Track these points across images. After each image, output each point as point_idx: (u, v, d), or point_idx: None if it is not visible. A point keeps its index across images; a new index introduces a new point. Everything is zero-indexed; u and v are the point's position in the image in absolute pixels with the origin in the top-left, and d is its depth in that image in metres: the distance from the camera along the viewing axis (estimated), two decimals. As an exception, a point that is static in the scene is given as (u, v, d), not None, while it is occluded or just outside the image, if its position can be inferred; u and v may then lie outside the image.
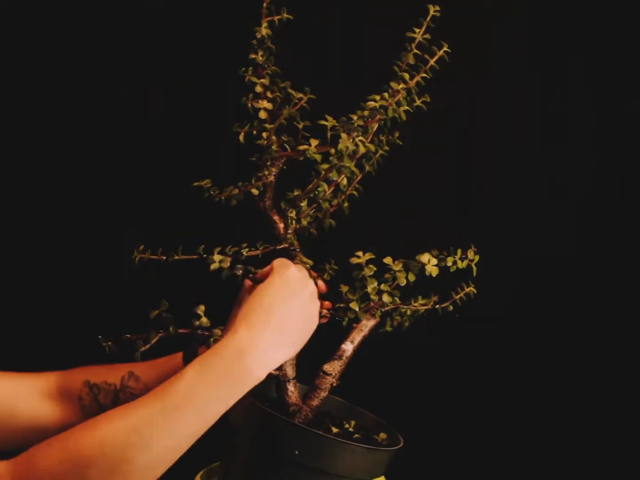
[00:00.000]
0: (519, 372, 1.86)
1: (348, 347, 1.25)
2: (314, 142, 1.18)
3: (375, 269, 1.22)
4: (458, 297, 1.28)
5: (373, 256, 1.22)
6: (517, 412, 1.87)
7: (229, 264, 1.21)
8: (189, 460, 1.12)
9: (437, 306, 1.27)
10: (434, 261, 1.22)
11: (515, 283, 1.86)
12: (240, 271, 1.22)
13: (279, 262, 1.20)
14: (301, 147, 1.20)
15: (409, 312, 1.27)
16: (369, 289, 1.22)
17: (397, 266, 1.23)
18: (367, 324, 1.26)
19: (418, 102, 1.24)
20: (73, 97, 1.90)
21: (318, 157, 1.19)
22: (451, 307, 1.28)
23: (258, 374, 1.09)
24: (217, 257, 1.21)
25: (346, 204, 1.29)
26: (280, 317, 1.13)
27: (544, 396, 1.87)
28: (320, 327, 1.23)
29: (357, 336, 1.26)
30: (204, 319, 1.19)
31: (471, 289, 1.28)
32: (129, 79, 1.89)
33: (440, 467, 1.89)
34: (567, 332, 1.86)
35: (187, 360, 1.30)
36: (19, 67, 1.89)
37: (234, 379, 1.08)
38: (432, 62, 1.24)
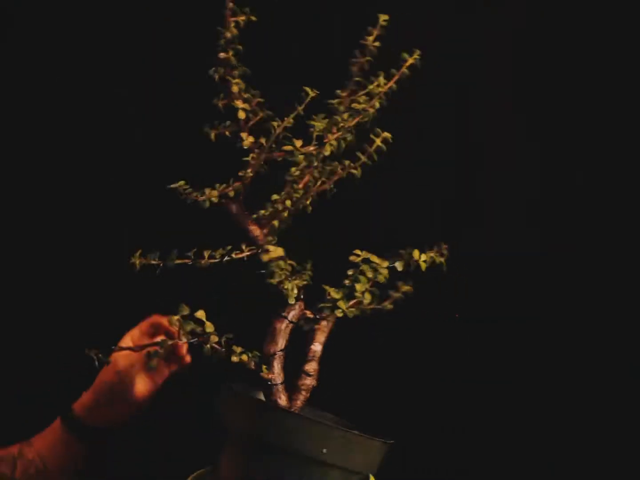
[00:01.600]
0: (519, 372, 1.86)
1: (317, 348, 1.26)
2: (298, 143, 1.19)
3: (373, 268, 1.22)
4: (397, 295, 1.27)
5: (372, 256, 1.22)
6: (517, 412, 1.87)
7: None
8: (176, 467, 1.11)
9: (379, 305, 1.26)
10: (424, 257, 1.23)
11: (515, 283, 1.86)
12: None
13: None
14: (286, 148, 1.20)
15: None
16: (358, 288, 1.22)
17: (383, 264, 1.23)
18: (327, 324, 1.27)
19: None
20: (73, 97, 1.90)
21: (300, 158, 1.19)
22: (390, 306, 1.27)
23: None
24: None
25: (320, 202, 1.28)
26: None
27: (544, 396, 1.87)
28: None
29: (322, 336, 1.26)
30: (209, 324, 1.19)
31: (408, 288, 1.27)
32: (129, 79, 1.89)
33: (439, 467, 1.89)
34: (567, 332, 1.86)
35: (66, 424, 1.46)
36: (19, 67, 1.89)
37: None
38: (410, 60, 1.24)
